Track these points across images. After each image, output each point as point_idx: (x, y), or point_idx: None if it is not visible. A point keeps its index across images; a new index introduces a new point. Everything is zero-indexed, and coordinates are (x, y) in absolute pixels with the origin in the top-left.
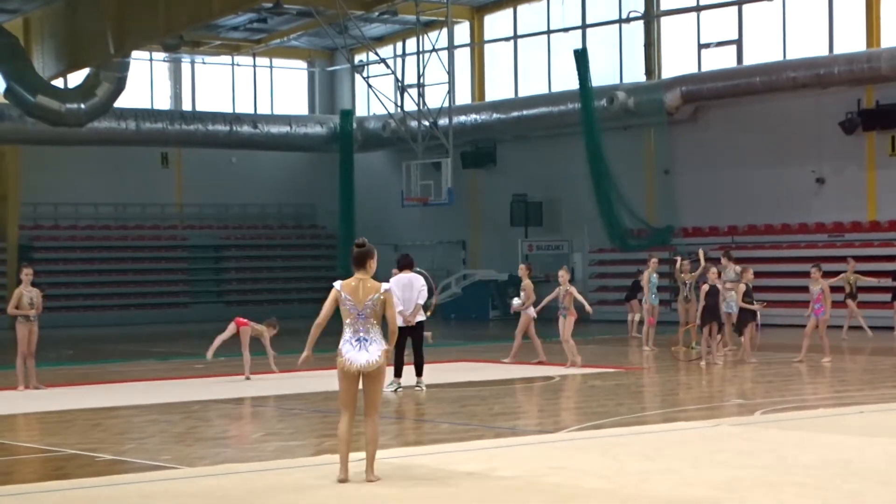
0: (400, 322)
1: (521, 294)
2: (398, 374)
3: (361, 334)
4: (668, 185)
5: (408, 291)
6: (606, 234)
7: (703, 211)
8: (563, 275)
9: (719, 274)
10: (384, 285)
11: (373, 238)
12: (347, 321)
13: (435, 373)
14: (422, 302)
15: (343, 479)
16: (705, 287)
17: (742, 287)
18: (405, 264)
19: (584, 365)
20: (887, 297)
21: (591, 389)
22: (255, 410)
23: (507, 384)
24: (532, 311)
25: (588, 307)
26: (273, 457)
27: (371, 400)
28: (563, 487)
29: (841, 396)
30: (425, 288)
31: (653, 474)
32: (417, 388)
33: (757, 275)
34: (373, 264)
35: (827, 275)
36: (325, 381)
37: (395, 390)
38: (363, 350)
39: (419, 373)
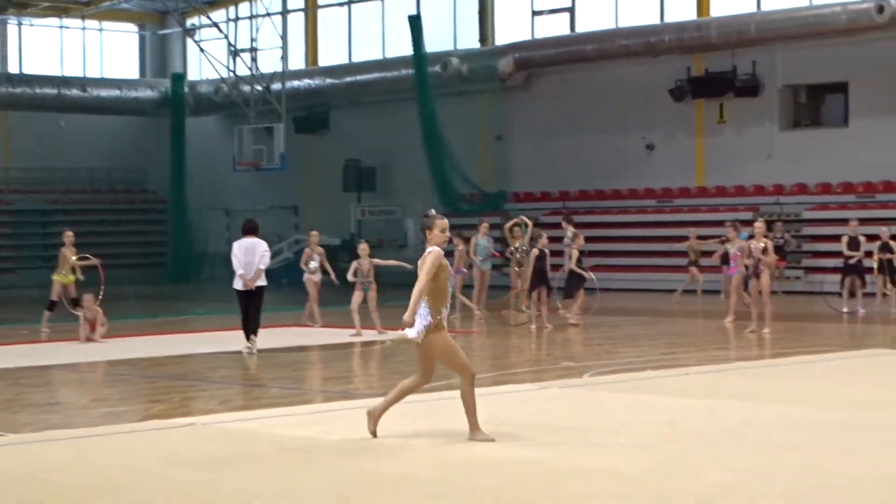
0: (240, 285)
1: (313, 263)
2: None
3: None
4: (501, 150)
5: (250, 255)
6: (439, 200)
7: (536, 176)
8: (363, 248)
9: (560, 239)
10: (427, 250)
11: (204, 203)
12: None
13: (266, 337)
14: (263, 267)
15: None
16: (535, 252)
17: (575, 253)
18: (249, 229)
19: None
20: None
21: None
22: (84, 376)
23: (337, 349)
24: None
25: (404, 265)
26: (101, 423)
27: (452, 368)
28: (390, 450)
29: (668, 358)
30: (268, 253)
31: None
32: (248, 350)
33: (588, 240)
34: (432, 235)
35: (671, 240)
36: (154, 346)
37: (248, 352)
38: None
39: (254, 333)
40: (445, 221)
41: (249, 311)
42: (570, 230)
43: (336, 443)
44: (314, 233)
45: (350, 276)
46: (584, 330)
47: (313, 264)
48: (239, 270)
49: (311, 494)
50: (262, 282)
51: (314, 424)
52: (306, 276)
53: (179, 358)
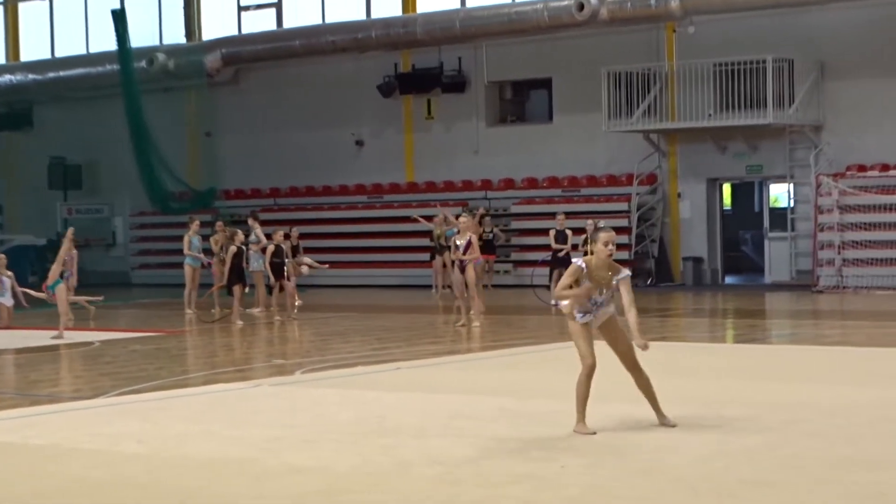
0: None
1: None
2: None
3: None
4: (210, 147)
5: None
6: (148, 197)
7: (246, 173)
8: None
9: (246, 235)
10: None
11: None
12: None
13: None
14: None
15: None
16: (232, 248)
17: (271, 248)
18: None
19: (127, 329)
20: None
21: (132, 354)
22: None
23: (45, 351)
24: None
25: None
26: None
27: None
28: (100, 454)
29: (379, 354)
30: None
31: (193, 437)
32: None
33: (300, 236)
34: (595, 248)
35: (368, 236)
36: None
37: None
38: None
39: None
40: (612, 234)
41: None
42: (256, 227)
43: (44, 447)
44: (2, 256)
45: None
46: (296, 327)
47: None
48: None
49: (20, 502)
50: None
51: (21, 429)
52: None
53: None
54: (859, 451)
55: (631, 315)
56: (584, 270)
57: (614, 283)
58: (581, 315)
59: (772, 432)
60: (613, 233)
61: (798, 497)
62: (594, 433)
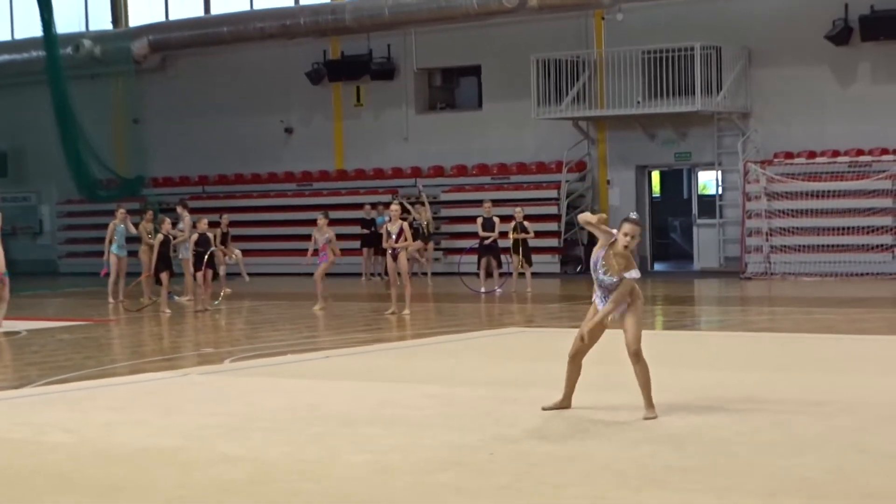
0: None
1: None
2: None
3: None
4: (138, 134)
5: None
6: (75, 185)
7: (174, 161)
8: None
9: (174, 224)
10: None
11: None
12: None
13: None
14: None
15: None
16: (159, 237)
17: (195, 237)
18: None
19: (54, 318)
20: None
21: (59, 343)
22: None
23: None
24: None
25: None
26: None
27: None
28: (27, 444)
29: (309, 342)
30: None
31: (120, 426)
32: None
33: (230, 224)
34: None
35: (297, 223)
36: None
37: None
38: None
39: None
40: (636, 227)
41: None
42: (185, 215)
43: None
44: None
45: None
46: (225, 315)
47: None
48: None
49: None
50: None
51: None
52: None
53: None
54: (785, 435)
55: (607, 307)
56: (612, 241)
57: (621, 276)
58: (601, 304)
59: (698, 418)
60: (639, 228)
61: (724, 482)
62: (544, 408)
